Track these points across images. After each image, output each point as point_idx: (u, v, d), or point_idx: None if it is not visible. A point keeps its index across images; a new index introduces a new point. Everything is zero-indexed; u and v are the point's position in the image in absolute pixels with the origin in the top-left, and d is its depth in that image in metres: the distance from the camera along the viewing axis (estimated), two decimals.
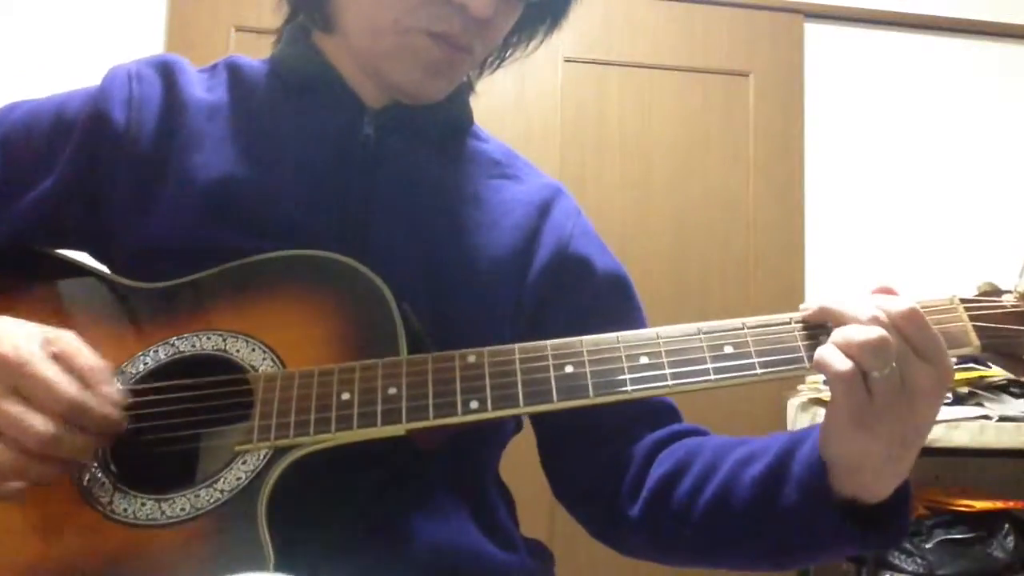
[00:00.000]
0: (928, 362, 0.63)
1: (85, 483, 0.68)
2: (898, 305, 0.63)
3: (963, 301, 0.70)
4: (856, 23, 2.89)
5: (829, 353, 0.63)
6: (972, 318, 0.69)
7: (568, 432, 0.88)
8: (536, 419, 0.89)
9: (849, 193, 2.81)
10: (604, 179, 2.68)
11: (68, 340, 0.67)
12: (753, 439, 0.79)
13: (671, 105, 2.75)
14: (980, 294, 0.72)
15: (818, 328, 0.68)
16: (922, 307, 0.66)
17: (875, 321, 0.63)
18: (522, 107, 2.66)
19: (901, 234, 2.80)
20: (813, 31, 2.87)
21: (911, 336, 0.63)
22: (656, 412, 0.88)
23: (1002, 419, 2.16)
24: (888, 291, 0.67)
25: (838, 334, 0.64)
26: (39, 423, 0.62)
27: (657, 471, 0.82)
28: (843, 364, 0.62)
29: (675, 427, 0.88)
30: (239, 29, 2.58)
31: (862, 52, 2.89)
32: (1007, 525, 2.25)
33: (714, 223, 2.72)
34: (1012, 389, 2.24)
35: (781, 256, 2.74)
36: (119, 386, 0.68)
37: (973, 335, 0.68)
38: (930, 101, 2.89)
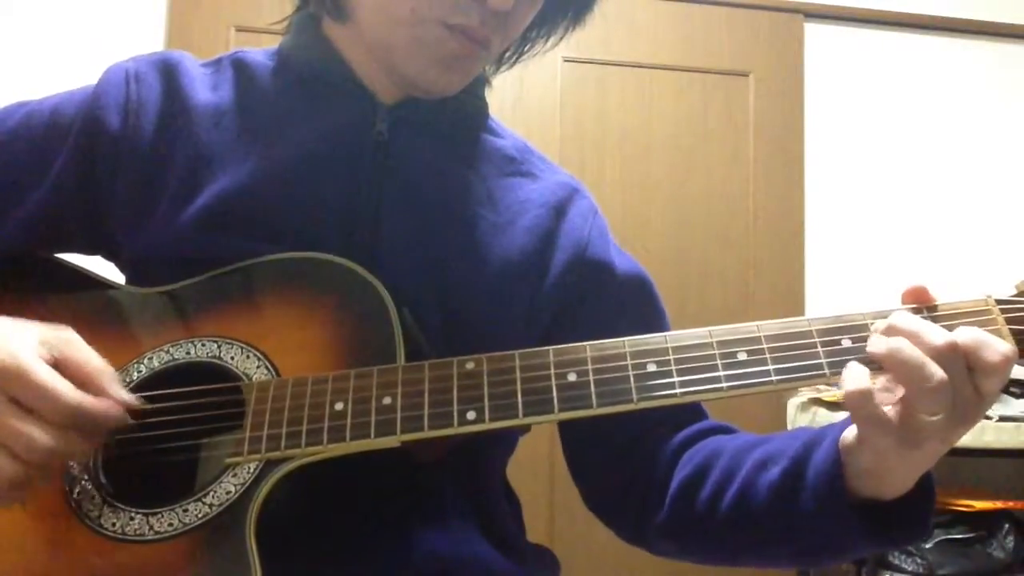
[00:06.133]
0: (984, 397, 0.59)
1: (75, 496, 0.67)
2: (984, 352, 0.58)
3: (999, 302, 0.64)
4: (856, 23, 2.88)
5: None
6: (1009, 321, 0.63)
7: (593, 441, 0.87)
8: (560, 425, 0.87)
9: (849, 193, 2.80)
10: (604, 179, 2.67)
11: (69, 340, 0.66)
12: (773, 437, 0.77)
13: (671, 105, 2.75)
14: (1018, 294, 0.66)
15: (838, 334, 0.64)
16: (953, 309, 0.63)
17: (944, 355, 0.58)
18: (522, 107, 2.65)
19: (901, 234, 2.79)
20: (813, 31, 2.86)
21: (981, 378, 0.59)
22: (681, 413, 0.86)
23: (1002, 419, 2.16)
24: (922, 293, 0.64)
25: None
26: (38, 435, 0.60)
27: (679, 475, 0.81)
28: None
29: (699, 426, 0.85)
30: (239, 29, 2.58)
31: (862, 52, 2.88)
32: (1007, 525, 2.24)
33: (714, 223, 2.71)
34: (1012, 389, 2.24)
35: (781, 256, 2.74)
36: (124, 389, 0.66)
37: (1009, 340, 0.63)
38: (930, 101, 2.88)
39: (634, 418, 0.80)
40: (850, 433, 0.67)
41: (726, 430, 0.86)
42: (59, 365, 0.64)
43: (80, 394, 0.62)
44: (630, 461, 0.85)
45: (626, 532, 0.88)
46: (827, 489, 0.67)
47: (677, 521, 0.81)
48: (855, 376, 0.60)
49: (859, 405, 0.60)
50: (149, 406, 0.69)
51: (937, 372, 0.58)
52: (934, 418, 0.58)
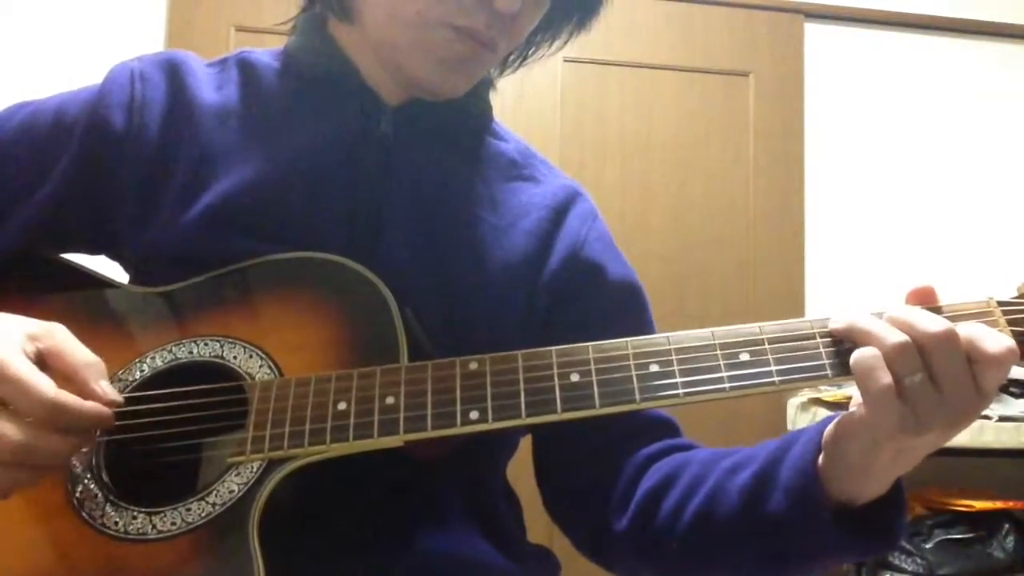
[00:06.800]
0: (941, 391, 0.59)
1: (77, 495, 0.67)
2: (929, 326, 0.59)
3: (1000, 304, 0.64)
4: (856, 23, 2.88)
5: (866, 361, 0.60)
6: (1010, 322, 0.63)
7: (563, 442, 0.86)
8: (534, 426, 0.87)
9: (849, 193, 2.80)
10: (604, 179, 2.67)
11: (56, 335, 0.64)
12: (744, 448, 0.76)
13: (671, 105, 2.75)
14: (1020, 295, 0.66)
15: (841, 335, 0.64)
16: (955, 310, 0.63)
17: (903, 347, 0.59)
18: (522, 107, 2.65)
19: (901, 234, 2.79)
20: (813, 31, 2.86)
21: (934, 362, 0.59)
22: (653, 427, 0.85)
23: (1002, 419, 2.16)
24: (928, 293, 0.64)
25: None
26: (10, 431, 0.59)
27: (645, 485, 0.80)
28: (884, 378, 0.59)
29: (670, 441, 0.85)
30: (239, 29, 2.58)
31: (862, 52, 2.88)
32: (1007, 525, 2.24)
33: (714, 223, 2.71)
34: (1012, 389, 2.24)
35: (781, 256, 2.74)
36: (109, 385, 0.64)
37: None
38: (930, 101, 2.88)
39: (607, 424, 0.80)
40: (838, 424, 0.66)
41: (695, 447, 0.85)
42: (44, 359, 0.63)
43: (59, 391, 0.61)
44: (597, 467, 0.84)
45: (584, 541, 0.86)
46: (800, 486, 0.66)
47: (638, 529, 0.79)
48: (863, 348, 0.61)
49: (867, 372, 0.59)
50: (152, 406, 0.69)
51: (894, 332, 0.59)
52: (910, 381, 0.58)
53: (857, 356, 0.60)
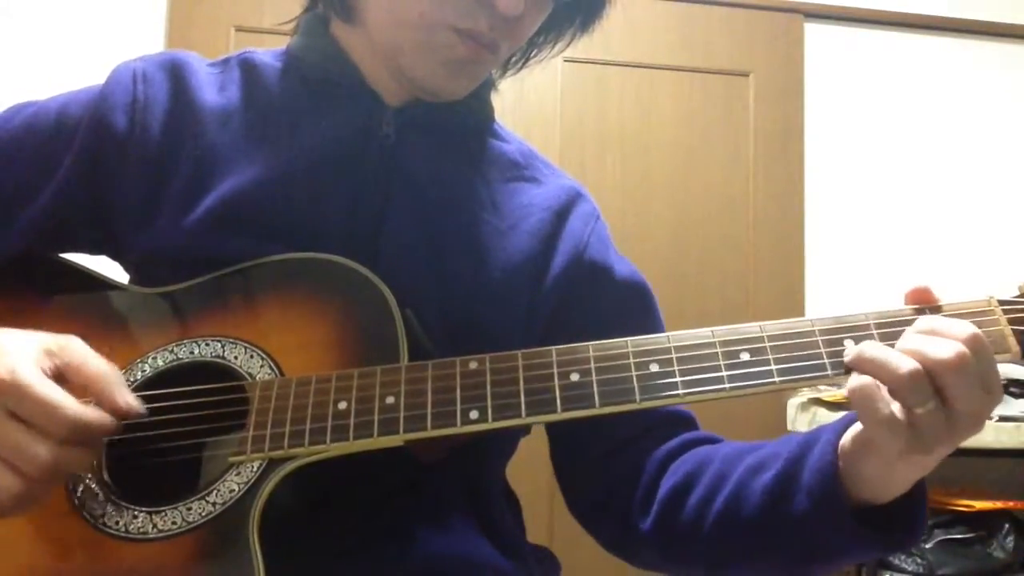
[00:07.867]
0: (952, 412, 0.58)
1: (79, 495, 0.67)
2: (940, 352, 0.58)
3: (1001, 303, 0.64)
4: (856, 23, 2.88)
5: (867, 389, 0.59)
6: (1011, 321, 0.63)
7: (580, 443, 0.86)
8: (549, 428, 0.86)
9: (849, 193, 2.80)
10: (604, 179, 2.67)
11: (73, 349, 0.65)
12: (765, 444, 0.76)
13: (671, 105, 2.75)
14: (1021, 294, 0.66)
15: (840, 334, 0.64)
16: (956, 309, 0.63)
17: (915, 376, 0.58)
18: (522, 107, 2.65)
19: (902, 234, 2.79)
20: (813, 31, 2.86)
21: (947, 387, 0.58)
22: (671, 422, 0.86)
23: (1002, 419, 2.16)
24: (926, 293, 0.64)
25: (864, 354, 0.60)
26: (41, 450, 0.59)
27: (668, 483, 0.80)
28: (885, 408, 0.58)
29: (688, 436, 0.85)
30: (239, 29, 2.58)
31: (862, 52, 2.88)
32: (1007, 525, 2.24)
33: (714, 223, 2.71)
34: (1012, 389, 2.24)
35: (781, 256, 2.74)
36: (131, 395, 0.64)
37: (1012, 340, 0.62)
38: (930, 101, 2.88)
39: (624, 422, 0.81)
40: (852, 441, 0.66)
41: (715, 440, 0.85)
42: (62, 373, 0.64)
43: (79, 407, 0.61)
44: (617, 466, 0.84)
45: (608, 540, 0.87)
46: (821, 488, 0.66)
47: (663, 528, 0.79)
48: (860, 378, 0.60)
49: (865, 403, 0.59)
50: (153, 405, 0.69)
51: (905, 361, 0.58)
52: (923, 410, 0.58)
53: (854, 387, 0.59)
